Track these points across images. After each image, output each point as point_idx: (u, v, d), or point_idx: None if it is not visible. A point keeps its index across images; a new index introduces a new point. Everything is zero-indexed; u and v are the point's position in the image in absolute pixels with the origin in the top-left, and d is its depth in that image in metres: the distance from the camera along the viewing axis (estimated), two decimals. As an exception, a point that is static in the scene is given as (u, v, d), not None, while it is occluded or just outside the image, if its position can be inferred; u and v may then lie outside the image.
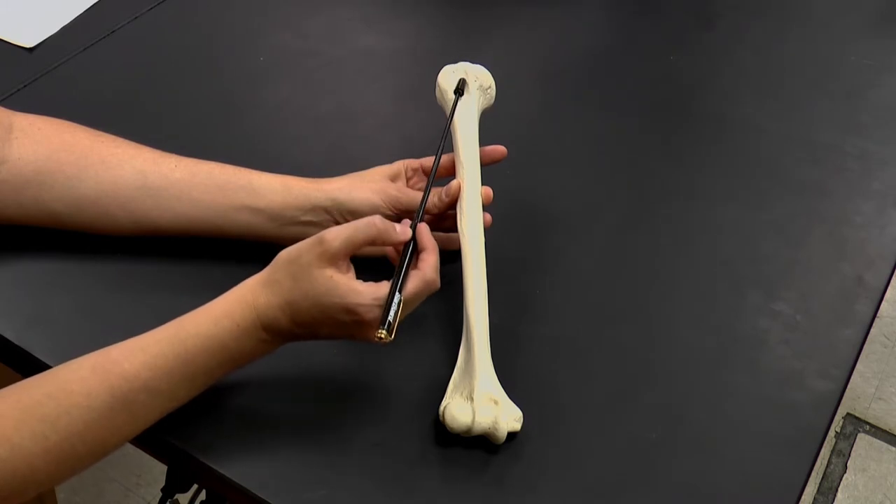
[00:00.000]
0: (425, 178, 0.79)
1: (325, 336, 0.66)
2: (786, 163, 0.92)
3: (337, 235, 0.63)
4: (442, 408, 0.67)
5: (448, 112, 0.78)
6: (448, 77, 0.80)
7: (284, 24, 1.05)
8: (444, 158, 0.78)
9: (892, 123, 0.98)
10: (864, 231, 0.86)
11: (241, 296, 0.64)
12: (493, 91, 0.81)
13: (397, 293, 0.63)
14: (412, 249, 0.67)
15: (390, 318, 0.62)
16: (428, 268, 0.66)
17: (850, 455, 1.66)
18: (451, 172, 0.77)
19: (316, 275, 0.62)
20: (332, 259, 0.63)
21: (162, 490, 0.87)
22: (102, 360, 0.61)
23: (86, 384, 0.60)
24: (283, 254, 0.64)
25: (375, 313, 0.62)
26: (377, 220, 0.65)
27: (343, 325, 0.63)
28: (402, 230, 0.67)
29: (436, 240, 0.79)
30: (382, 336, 0.61)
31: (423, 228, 0.68)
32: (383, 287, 0.64)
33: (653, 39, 1.08)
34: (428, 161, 0.79)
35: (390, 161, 0.78)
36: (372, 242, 0.65)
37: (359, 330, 0.64)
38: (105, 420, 0.60)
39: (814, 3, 1.15)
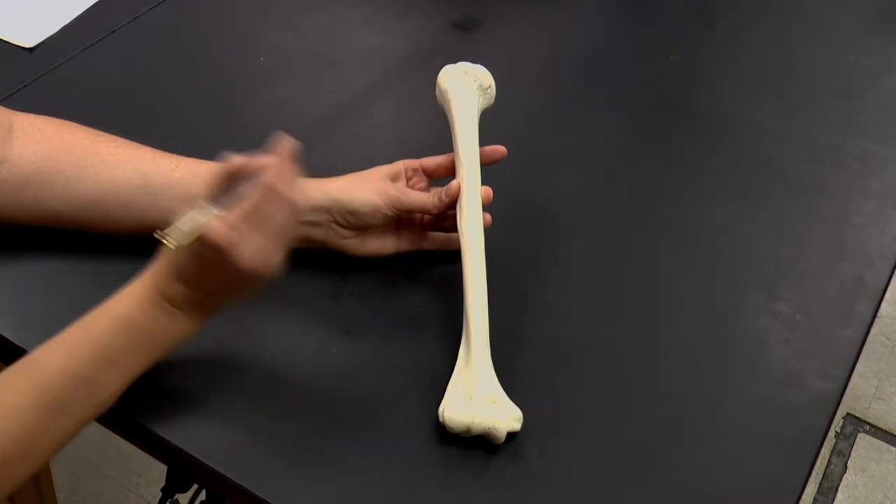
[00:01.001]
0: (425, 179, 0.79)
1: (215, 294, 0.64)
2: (786, 163, 0.93)
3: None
4: (441, 408, 0.67)
5: (449, 111, 0.79)
6: (448, 77, 0.80)
7: (284, 24, 1.05)
8: (444, 158, 0.79)
9: (892, 123, 0.98)
10: (864, 231, 0.86)
11: (142, 273, 0.64)
12: (493, 91, 0.81)
13: (205, 202, 0.61)
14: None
15: (181, 224, 0.60)
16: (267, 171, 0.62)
17: (850, 455, 1.66)
18: (451, 172, 0.77)
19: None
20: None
21: (162, 490, 0.87)
22: (26, 360, 0.61)
23: (12, 387, 0.59)
24: None
25: (234, 239, 0.60)
26: (235, 160, 0.64)
27: (213, 269, 0.61)
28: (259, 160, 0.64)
29: (436, 240, 0.80)
30: (163, 236, 0.61)
31: (285, 142, 0.65)
32: (236, 212, 0.61)
33: (653, 39, 1.08)
34: (428, 161, 0.79)
35: (390, 161, 0.78)
36: (234, 175, 0.64)
37: (231, 273, 0.61)
38: (37, 420, 0.59)
39: (814, 3, 1.15)
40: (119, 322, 0.62)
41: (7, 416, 0.58)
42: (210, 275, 0.62)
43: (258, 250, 0.61)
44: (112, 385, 0.62)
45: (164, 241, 0.61)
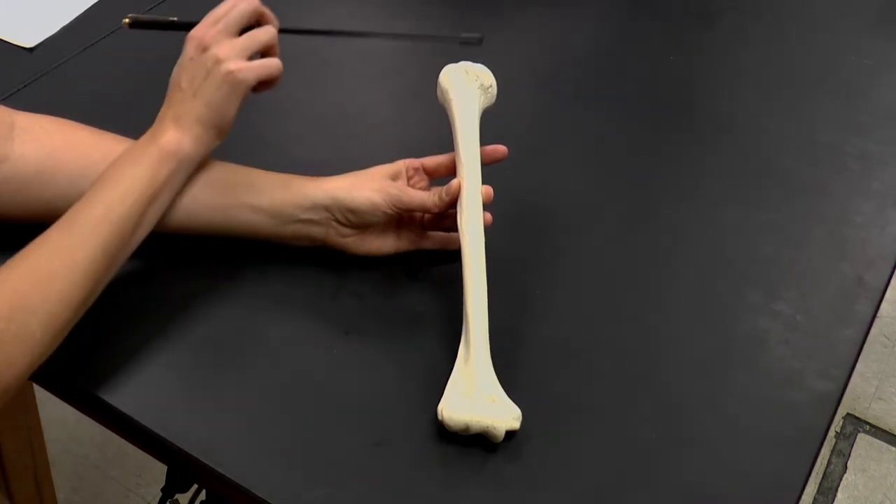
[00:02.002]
0: (426, 178, 0.79)
1: (196, 96, 0.73)
2: (786, 163, 0.93)
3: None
4: (441, 406, 0.67)
5: (449, 110, 0.79)
6: (449, 76, 0.80)
7: (284, 24, 1.05)
8: (445, 158, 0.79)
9: (892, 123, 0.98)
10: (864, 231, 0.86)
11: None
12: (494, 90, 0.81)
13: None
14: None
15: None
16: None
17: (850, 455, 1.66)
18: (451, 171, 0.77)
19: None
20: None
21: (162, 490, 0.87)
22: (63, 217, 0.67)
23: (50, 234, 0.66)
24: None
25: (210, 32, 0.72)
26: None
27: (191, 61, 0.73)
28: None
29: (436, 239, 0.80)
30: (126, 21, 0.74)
31: None
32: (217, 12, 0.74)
33: (653, 39, 1.08)
34: (429, 161, 0.79)
35: (390, 160, 0.78)
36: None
37: (205, 57, 0.72)
38: (49, 243, 0.66)
39: (814, 3, 1.15)
40: (137, 160, 0.70)
41: (47, 248, 0.65)
42: (188, 69, 0.72)
43: (226, 45, 0.72)
44: (118, 201, 0.68)
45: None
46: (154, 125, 0.73)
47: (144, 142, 0.72)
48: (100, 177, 0.69)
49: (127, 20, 0.77)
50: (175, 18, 0.78)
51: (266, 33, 0.76)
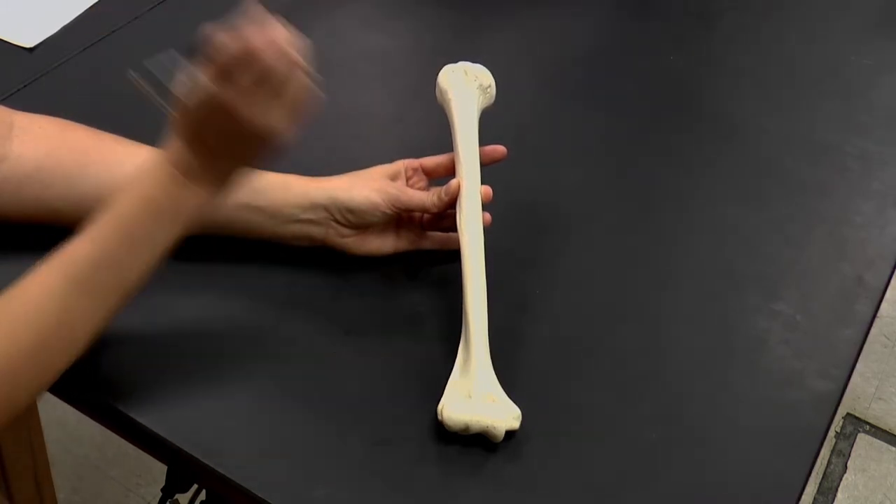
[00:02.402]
0: (425, 178, 0.79)
1: (223, 157, 0.65)
2: (786, 163, 0.92)
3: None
4: (440, 406, 0.67)
5: (448, 111, 0.79)
6: (448, 77, 0.80)
7: (284, 24, 1.05)
8: (444, 158, 0.79)
9: (892, 123, 0.98)
10: (864, 231, 0.86)
11: (152, 161, 0.65)
12: (492, 90, 0.81)
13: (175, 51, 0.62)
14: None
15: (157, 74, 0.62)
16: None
17: (850, 455, 1.66)
18: (450, 172, 0.77)
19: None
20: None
21: (162, 490, 0.87)
22: (56, 255, 0.63)
23: (43, 277, 0.62)
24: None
25: (233, 97, 0.61)
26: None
27: (222, 127, 0.62)
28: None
29: (435, 239, 0.80)
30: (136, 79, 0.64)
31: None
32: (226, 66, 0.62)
33: (653, 39, 1.08)
34: (428, 161, 0.79)
35: (390, 161, 0.78)
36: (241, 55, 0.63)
37: (234, 131, 0.62)
38: (68, 308, 0.61)
39: (814, 3, 1.15)
40: (138, 202, 0.64)
41: (39, 304, 0.61)
42: (213, 136, 0.63)
43: (261, 106, 0.62)
44: (139, 265, 0.64)
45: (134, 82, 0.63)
46: (176, 173, 0.64)
47: (169, 194, 0.64)
48: (120, 222, 0.63)
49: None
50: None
51: (303, 81, 0.64)
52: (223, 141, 0.63)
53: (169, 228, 0.64)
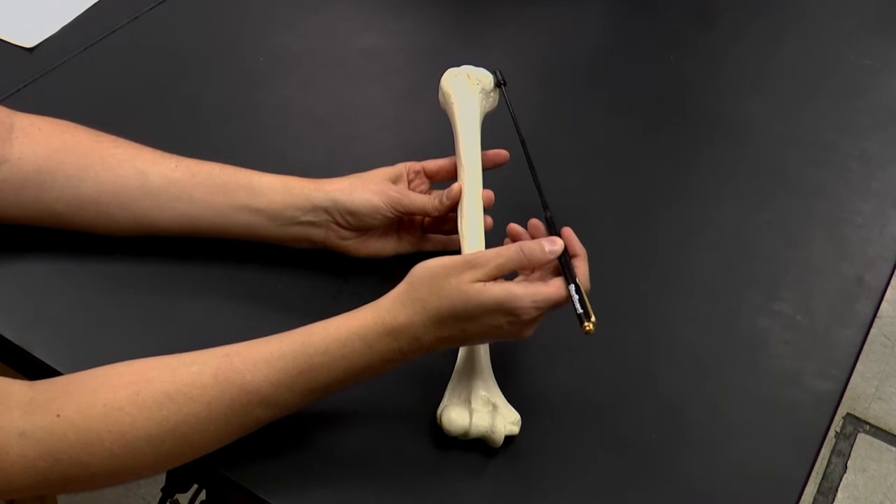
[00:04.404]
0: (427, 181, 0.79)
1: (474, 343, 0.66)
2: (786, 163, 0.92)
3: (488, 260, 0.62)
4: (439, 411, 0.67)
5: (451, 115, 0.78)
6: (451, 81, 0.79)
7: (284, 24, 1.05)
8: (446, 161, 0.79)
9: (892, 123, 0.98)
10: (864, 231, 0.86)
11: (376, 317, 0.62)
12: (495, 94, 0.81)
13: (574, 285, 0.63)
14: (567, 255, 0.66)
15: (580, 309, 0.63)
16: (582, 275, 0.65)
17: (850, 455, 1.66)
18: (452, 175, 0.77)
19: (469, 291, 0.61)
20: (486, 280, 0.62)
21: (162, 490, 0.87)
22: (225, 369, 0.60)
23: (206, 393, 0.60)
24: (422, 271, 0.63)
25: (533, 314, 0.62)
26: (525, 247, 0.64)
27: (499, 328, 0.63)
28: (550, 249, 0.65)
29: (436, 242, 0.80)
30: (590, 328, 0.62)
31: (570, 234, 0.68)
32: (540, 287, 0.63)
33: (653, 39, 1.08)
34: (430, 164, 0.79)
35: (390, 161, 0.78)
36: (525, 266, 0.65)
37: (517, 330, 0.64)
38: (219, 430, 0.61)
39: (813, 2, 1.15)
40: (337, 365, 0.62)
41: (196, 425, 0.59)
42: (488, 331, 0.63)
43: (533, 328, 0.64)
44: (298, 408, 0.63)
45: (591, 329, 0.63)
46: (396, 351, 0.63)
47: (373, 369, 0.63)
48: (308, 378, 0.62)
49: None
50: None
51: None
52: (485, 335, 0.64)
53: (347, 386, 0.63)
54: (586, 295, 0.64)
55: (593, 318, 0.62)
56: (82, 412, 0.57)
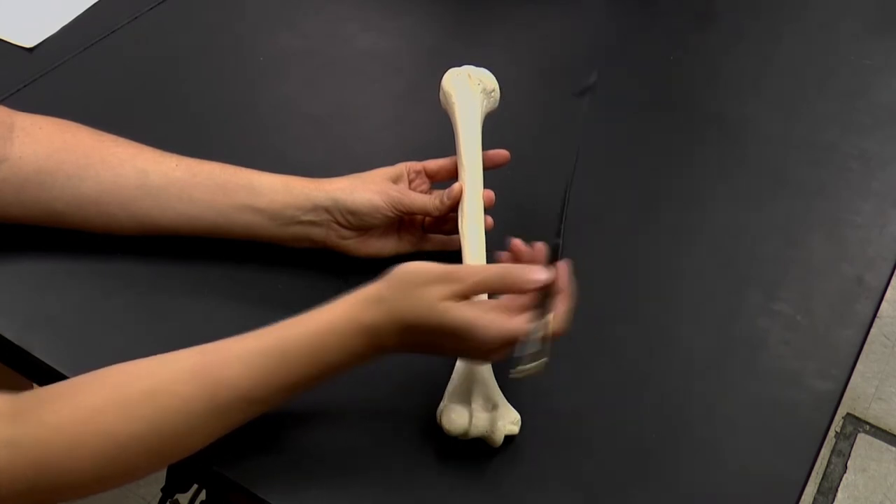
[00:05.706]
0: (427, 181, 0.79)
1: (445, 355, 0.67)
2: (786, 163, 0.92)
3: (467, 276, 0.61)
4: (439, 411, 0.67)
5: (452, 115, 0.78)
6: (452, 80, 0.79)
7: (284, 24, 1.05)
8: (446, 161, 0.79)
9: (892, 123, 0.98)
10: (864, 231, 0.86)
11: (347, 312, 0.62)
12: (496, 94, 0.81)
13: (533, 339, 0.61)
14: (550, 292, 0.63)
15: (525, 352, 0.61)
16: (557, 314, 0.62)
17: (850, 455, 1.66)
18: (453, 175, 0.77)
19: (436, 307, 0.61)
20: (460, 297, 0.61)
21: (162, 490, 0.87)
22: (202, 366, 0.61)
23: (186, 388, 0.60)
24: (400, 273, 0.63)
25: (493, 346, 0.61)
26: (509, 271, 0.63)
27: (462, 350, 0.63)
28: (534, 279, 0.62)
29: (437, 242, 0.80)
30: (518, 375, 0.61)
31: (563, 269, 0.64)
32: (504, 321, 0.61)
33: (653, 38, 1.08)
34: (430, 164, 0.79)
35: (391, 161, 0.78)
36: (505, 290, 0.63)
37: (481, 356, 0.64)
38: (202, 426, 0.61)
39: (814, 3, 1.15)
40: (313, 360, 0.62)
41: (179, 420, 0.60)
42: (449, 350, 0.64)
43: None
44: (281, 403, 0.63)
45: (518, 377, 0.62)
46: (369, 347, 0.63)
47: (345, 363, 0.63)
48: (287, 372, 0.62)
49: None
50: None
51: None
52: (445, 352, 0.65)
53: (325, 380, 0.63)
54: (551, 336, 0.61)
55: (530, 365, 0.60)
56: (66, 417, 0.57)
